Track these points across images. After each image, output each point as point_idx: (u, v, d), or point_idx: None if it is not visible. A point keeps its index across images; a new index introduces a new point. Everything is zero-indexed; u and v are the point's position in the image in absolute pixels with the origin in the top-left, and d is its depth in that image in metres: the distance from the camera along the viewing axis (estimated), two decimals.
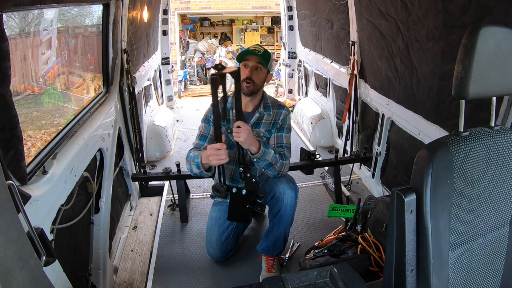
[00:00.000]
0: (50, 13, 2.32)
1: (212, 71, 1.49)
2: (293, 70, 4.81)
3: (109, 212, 1.87)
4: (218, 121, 1.54)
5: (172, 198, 2.49)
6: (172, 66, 4.77)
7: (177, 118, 4.28)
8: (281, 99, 4.85)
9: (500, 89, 0.86)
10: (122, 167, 2.35)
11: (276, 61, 7.22)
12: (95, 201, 1.69)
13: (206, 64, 7.67)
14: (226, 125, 1.85)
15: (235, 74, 1.52)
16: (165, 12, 4.42)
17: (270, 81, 7.25)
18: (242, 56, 1.75)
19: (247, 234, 2.17)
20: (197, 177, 2.41)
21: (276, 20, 8.22)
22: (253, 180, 1.63)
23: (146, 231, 2.25)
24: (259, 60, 1.73)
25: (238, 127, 1.58)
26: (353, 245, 1.81)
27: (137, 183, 2.55)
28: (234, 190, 1.62)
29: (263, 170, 1.74)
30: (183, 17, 7.97)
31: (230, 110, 1.85)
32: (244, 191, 1.62)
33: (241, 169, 1.65)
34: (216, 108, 1.51)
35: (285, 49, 4.87)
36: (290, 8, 4.55)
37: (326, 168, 2.74)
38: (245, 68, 1.75)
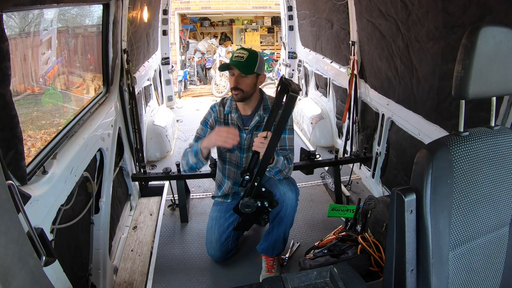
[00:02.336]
0: (50, 13, 2.32)
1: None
2: (293, 70, 4.81)
3: (109, 212, 1.86)
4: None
5: (172, 198, 2.49)
6: (172, 66, 4.77)
7: (177, 118, 4.28)
8: None
9: (500, 89, 0.86)
10: (122, 167, 2.35)
11: (276, 61, 7.23)
12: (95, 201, 1.69)
13: (206, 64, 7.67)
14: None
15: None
16: (165, 12, 4.42)
17: (270, 81, 7.20)
18: (228, 65, 1.72)
19: (247, 234, 2.17)
20: (195, 176, 2.43)
21: (276, 20, 8.22)
22: (263, 189, 1.62)
23: (146, 231, 2.25)
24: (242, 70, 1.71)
25: (264, 137, 1.56)
26: (353, 245, 1.81)
27: (137, 183, 2.55)
28: (259, 204, 1.62)
29: (272, 176, 1.74)
30: (183, 17, 7.97)
31: (229, 114, 1.85)
32: (266, 203, 1.63)
33: (247, 177, 1.63)
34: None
35: (285, 49, 4.87)
36: (290, 8, 4.54)
37: (326, 168, 2.74)
38: (231, 76, 1.74)
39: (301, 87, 4.55)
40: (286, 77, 4.95)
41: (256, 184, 1.60)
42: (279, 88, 1.58)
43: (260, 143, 1.57)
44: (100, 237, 1.74)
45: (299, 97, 5.08)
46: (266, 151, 1.54)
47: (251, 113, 1.84)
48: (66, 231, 1.40)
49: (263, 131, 1.59)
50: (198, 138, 1.87)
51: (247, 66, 1.70)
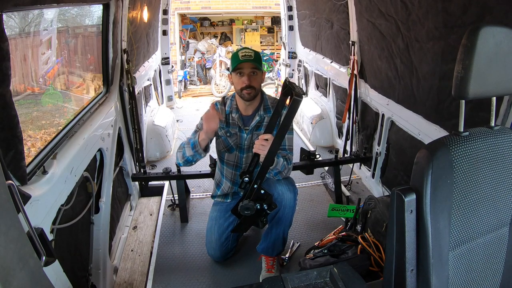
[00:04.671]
0: (50, 13, 2.32)
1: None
2: (293, 70, 4.81)
3: (109, 212, 1.86)
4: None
5: (172, 198, 2.49)
6: (172, 66, 4.77)
7: (177, 118, 4.28)
8: None
9: (500, 89, 0.86)
10: (122, 167, 2.35)
11: (276, 61, 7.23)
12: (95, 201, 1.69)
13: (206, 64, 7.67)
14: (225, 128, 1.85)
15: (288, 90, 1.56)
16: (165, 12, 4.42)
17: (270, 81, 7.21)
18: (235, 65, 1.72)
19: (247, 234, 2.17)
20: (195, 176, 2.43)
21: (276, 20, 8.22)
22: (262, 191, 1.62)
23: (146, 231, 2.25)
24: (253, 66, 1.71)
25: (266, 139, 1.56)
26: (353, 245, 1.81)
27: (137, 183, 2.55)
28: (258, 206, 1.62)
29: (272, 177, 1.74)
30: (183, 17, 7.97)
31: (230, 114, 1.85)
32: (265, 206, 1.63)
33: (247, 179, 1.64)
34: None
35: (285, 49, 4.87)
36: (290, 8, 4.54)
37: (326, 168, 2.74)
38: (240, 76, 1.72)
39: (301, 87, 4.55)
40: (287, 77, 4.97)
41: (255, 186, 1.60)
42: (282, 91, 1.59)
43: (261, 145, 1.56)
44: (100, 237, 1.74)
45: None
46: (267, 155, 1.54)
47: (252, 113, 1.84)
48: (66, 231, 1.40)
49: (264, 134, 1.59)
50: (196, 133, 1.85)
51: (259, 62, 1.73)
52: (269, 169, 1.64)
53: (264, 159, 1.55)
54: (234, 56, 1.74)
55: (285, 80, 1.62)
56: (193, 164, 1.82)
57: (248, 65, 1.71)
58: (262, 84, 1.88)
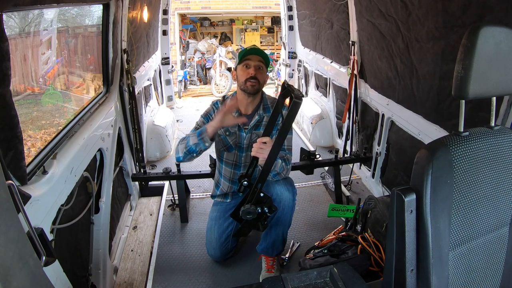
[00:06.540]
0: (50, 13, 2.32)
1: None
2: (293, 70, 4.81)
3: (109, 212, 1.86)
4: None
5: (172, 198, 2.49)
6: (172, 66, 4.77)
7: (177, 118, 4.28)
8: None
9: (500, 89, 0.86)
10: (122, 167, 2.35)
11: (276, 61, 7.23)
12: (95, 201, 1.69)
13: (206, 64, 7.67)
14: (224, 127, 1.85)
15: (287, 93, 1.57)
16: (165, 12, 4.42)
17: (270, 81, 7.27)
18: (244, 55, 1.75)
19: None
20: (195, 176, 2.43)
21: (276, 20, 8.22)
22: (261, 194, 1.62)
23: (146, 231, 2.25)
24: (261, 59, 1.74)
25: (264, 143, 1.55)
26: (353, 245, 1.81)
27: (137, 183, 2.55)
28: (259, 210, 1.62)
29: (270, 178, 1.74)
30: (183, 17, 7.97)
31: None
32: (266, 209, 1.62)
33: (246, 183, 1.64)
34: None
35: (285, 49, 4.87)
36: (290, 8, 4.54)
37: (326, 168, 2.74)
38: (246, 68, 1.75)
39: (301, 87, 4.55)
40: (286, 76, 4.97)
41: (256, 190, 1.59)
42: (281, 93, 1.60)
43: (259, 148, 1.56)
44: (100, 237, 1.74)
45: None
46: (267, 160, 1.53)
47: (251, 112, 1.84)
48: (66, 231, 1.40)
49: (263, 137, 1.59)
50: (196, 130, 1.84)
51: (266, 60, 1.77)
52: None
53: (264, 164, 1.55)
54: (243, 50, 1.79)
55: (284, 82, 1.62)
56: (193, 157, 1.73)
57: (256, 58, 1.74)
58: None
